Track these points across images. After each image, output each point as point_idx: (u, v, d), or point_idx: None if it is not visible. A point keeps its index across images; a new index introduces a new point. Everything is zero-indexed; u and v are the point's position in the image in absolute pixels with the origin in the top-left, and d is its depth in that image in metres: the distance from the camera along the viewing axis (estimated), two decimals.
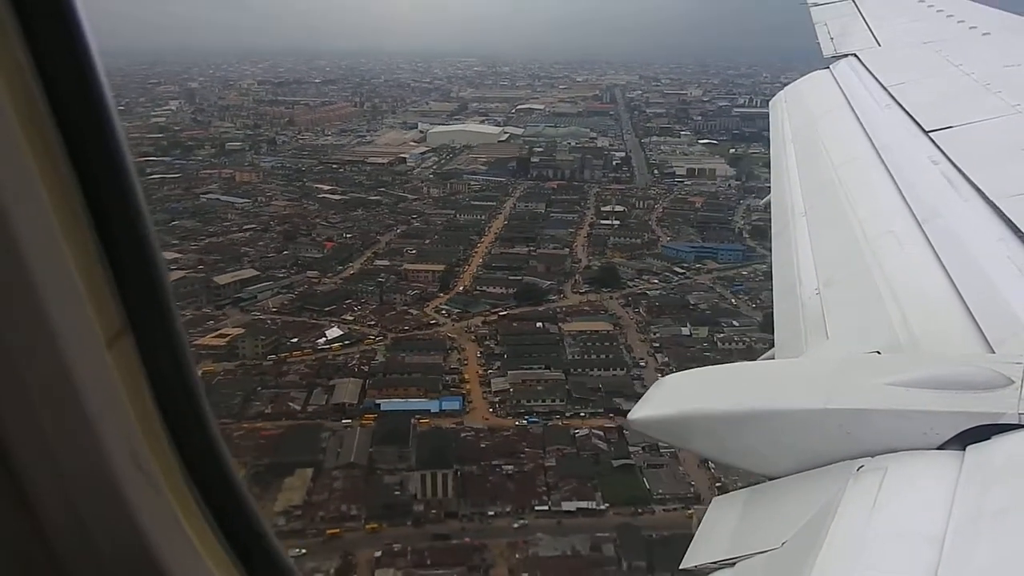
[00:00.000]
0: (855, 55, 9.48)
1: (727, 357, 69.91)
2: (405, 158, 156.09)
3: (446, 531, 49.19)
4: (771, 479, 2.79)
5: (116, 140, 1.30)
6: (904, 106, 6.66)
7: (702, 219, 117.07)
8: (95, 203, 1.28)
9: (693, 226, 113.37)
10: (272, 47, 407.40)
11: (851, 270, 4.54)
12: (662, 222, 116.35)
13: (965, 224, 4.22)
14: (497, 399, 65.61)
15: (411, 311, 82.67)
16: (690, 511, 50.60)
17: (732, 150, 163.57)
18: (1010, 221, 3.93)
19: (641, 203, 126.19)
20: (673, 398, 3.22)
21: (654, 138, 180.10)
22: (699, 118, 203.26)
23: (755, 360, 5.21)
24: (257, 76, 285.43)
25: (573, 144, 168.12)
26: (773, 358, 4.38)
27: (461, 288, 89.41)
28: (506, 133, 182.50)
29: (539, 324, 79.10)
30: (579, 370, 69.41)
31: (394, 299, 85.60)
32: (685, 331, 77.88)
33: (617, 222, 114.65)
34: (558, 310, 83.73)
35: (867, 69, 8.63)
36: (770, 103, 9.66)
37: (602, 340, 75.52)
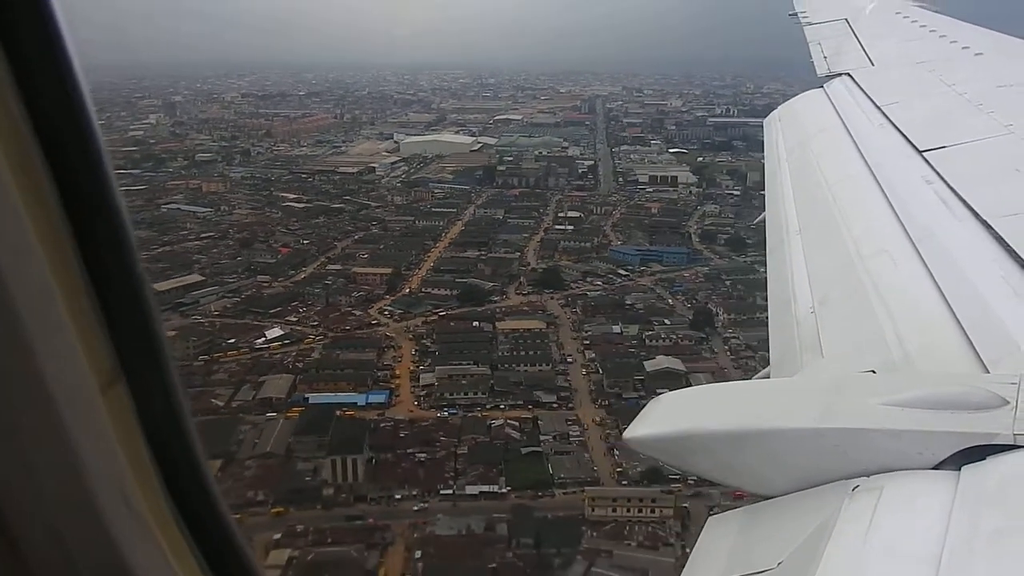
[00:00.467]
0: (849, 74, 9.52)
1: (652, 352, 73.32)
2: (375, 167, 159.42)
3: (351, 513, 52.12)
4: (767, 498, 2.79)
5: (111, 189, 1.31)
6: (898, 125, 6.70)
7: (656, 224, 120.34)
8: (88, 252, 1.27)
9: (645, 231, 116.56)
10: (261, 61, 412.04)
11: (846, 288, 4.56)
12: (616, 227, 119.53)
13: (959, 244, 4.23)
14: (423, 393, 68.74)
15: (355, 312, 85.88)
16: (585, 493, 53.70)
17: (700, 159, 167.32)
18: (1004, 241, 3.95)
19: (599, 209, 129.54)
20: (668, 417, 3.23)
21: (625, 147, 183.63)
22: (673, 128, 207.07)
23: (750, 379, 5.26)
24: (242, 89, 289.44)
25: (544, 153, 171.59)
26: (769, 376, 4.38)
27: (408, 290, 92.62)
28: (479, 143, 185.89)
29: (475, 323, 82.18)
30: (506, 366, 72.52)
31: (340, 301, 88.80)
32: (616, 329, 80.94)
33: (571, 227, 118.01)
34: (497, 310, 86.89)
35: (861, 88, 8.67)
36: (764, 121, 9.66)
37: (533, 338, 78.63)
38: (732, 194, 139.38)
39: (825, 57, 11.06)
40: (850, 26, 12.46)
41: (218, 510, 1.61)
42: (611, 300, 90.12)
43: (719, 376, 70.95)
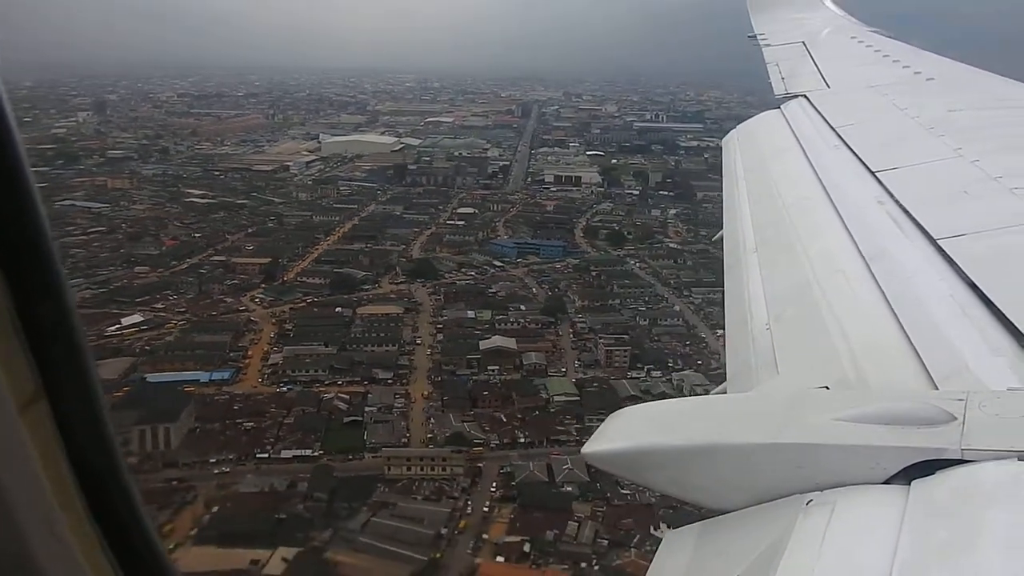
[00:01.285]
0: (805, 96, 9.76)
1: (494, 332, 78.44)
2: (289, 166, 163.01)
3: (157, 478, 56.09)
4: (724, 513, 2.85)
5: (32, 203, 1.29)
6: (852, 147, 6.89)
7: (546, 220, 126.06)
8: (6, 264, 1.25)
9: (533, 226, 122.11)
10: (211, 63, 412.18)
11: (801, 306, 4.66)
12: (508, 223, 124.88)
13: (910, 263, 4.37)
14: (269, 371, 73.12)
15: (225, 299, 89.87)
16: (382, 454, 58.69)
17: (614, 161, 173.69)
18: (953, 261, 4.10)
19: (497, 206, 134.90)
20: (626, 432, 3.29)
21: (545, 149, 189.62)
22: (598, 131, 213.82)
23: (706, 394, 5.47)
24: (181, 89, 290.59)
25: (462, 154, 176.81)
26: (725, 392, 4.49)
27: (284, 280, 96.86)
28: (402, 144, 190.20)
29: (338, 309, 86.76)
30: (354, 346, 77.32)
31: (213, 289, 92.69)
32: (471, 314, 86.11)
33: (463, 223, 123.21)
34: (365, 298, 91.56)
35: (816, 110, 8.88)
36: (723, 141, 9.88)
37: (388, 322, 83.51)
38: (631, 194, 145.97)
39: (783, 78, 11.26)
40: (807, 49, 12.74)
41: (145, 531, 1.59)
42: (477, 289, 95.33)
43: (550, 354, 76.67)
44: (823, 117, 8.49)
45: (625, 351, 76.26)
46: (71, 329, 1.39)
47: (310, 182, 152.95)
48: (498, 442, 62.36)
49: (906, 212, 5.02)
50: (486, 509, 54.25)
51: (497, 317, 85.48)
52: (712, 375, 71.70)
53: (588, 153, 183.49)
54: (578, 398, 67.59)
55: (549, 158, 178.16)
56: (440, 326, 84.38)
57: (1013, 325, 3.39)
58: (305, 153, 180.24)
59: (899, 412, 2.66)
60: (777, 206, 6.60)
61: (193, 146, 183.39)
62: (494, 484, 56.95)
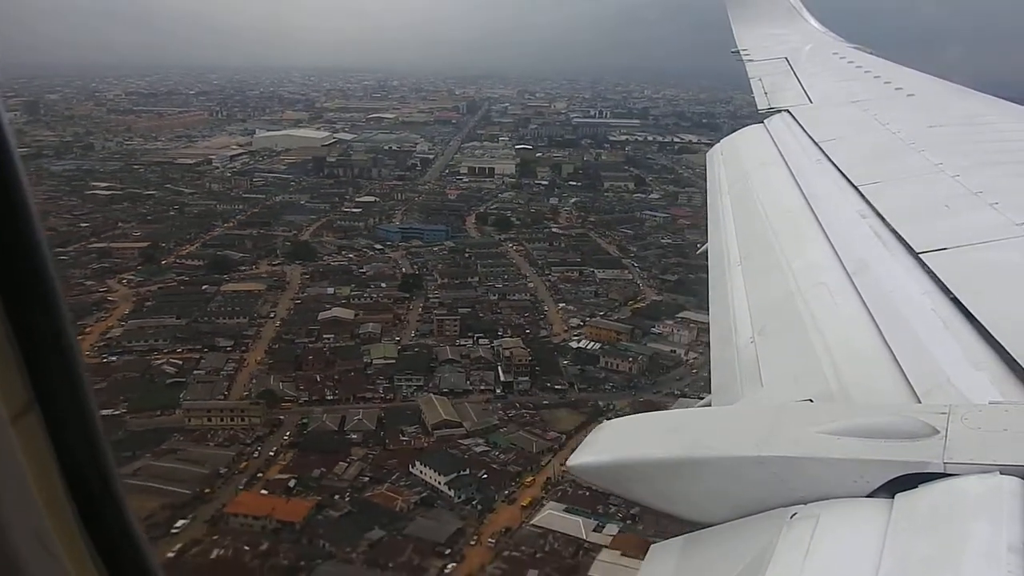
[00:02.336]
0: (788, 111, 9.94)
1: (349, 307, 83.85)
2: (212, 159, 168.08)
3: None
4: (708, 526, 2.91)
5: (26, 212, 1.30)
6: (835, 162, 7.07)
7: (443, 208, 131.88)
8: (1, 275, 1.27)
9: (427, 213, 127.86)
10: (175, 62, 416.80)
11: (785, 320, 4.75)
12: (407, 211, 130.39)
13: (892, 277, 4.46)
14: (103, 343, 77.27)
15: (87, 283, 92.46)
16: (183, 406, 63.94)
17: (538, 154, 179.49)
18: (934, 274, 4.18)
19: (401, 195, 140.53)
20: (610, 444, 3.38)
21: (475, 143, 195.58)
22: (536, 126, 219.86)
23: (691, 407, 5.68)
24: (135, 88, 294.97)
25: (392, 148, 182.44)
26: (710, 404, 4.55)
27: (163, 262, 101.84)
28: (334, 139, 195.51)
29: (204, 287, 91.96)
30: (205, 319, 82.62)
31: (74, 274, 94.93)
32: (330, 291, 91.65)
33: (360, 210, 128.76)
34: (236, 276, 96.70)
35: (800, 125, 9.07)
36: (707, 155, 10.10)
37: (249, 298, 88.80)
38: (540, 184, 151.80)
39: (766, 93, 11.47)
40: (790, 65, 13.02)
41: (136, 543, 1.59)
42: (348, 269, 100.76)
43: (389, 324, 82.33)
44: (806, 132, 8.63)
45: (456, 321, 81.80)
46: (64, 339, 1.39)
47: (228, 174, 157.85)
48: (307, 398, 67.79)
49: (888, 226, 5.09)
50: (272, 453, 59.74)
51: (354, 293, 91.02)
52: (539, 340, 77.59)
53: (517, 147, 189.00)
54: (394, 361, 73.06)
55: (476, 152, 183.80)
56: (298, 301, 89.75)
57: (994, 339, 3.43)
58: (235, 148, 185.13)
59: (882, 425, 2.71)
60: (761, 220, 6.70)
61: (123, 142, 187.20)
62: (288, 433, 62.34)
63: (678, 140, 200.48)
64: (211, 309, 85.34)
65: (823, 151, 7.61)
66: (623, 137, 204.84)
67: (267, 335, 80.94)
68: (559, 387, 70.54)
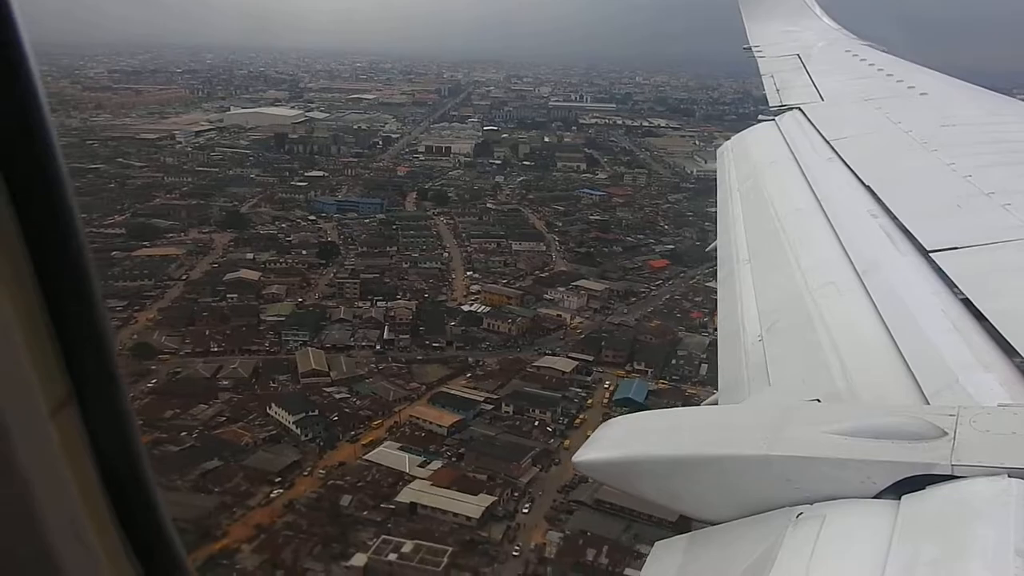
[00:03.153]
0: (800, 108, 10.07)
1: (262, 270, 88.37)
2: (176, 134, 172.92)
3: None
4: (714, 524, 2.95)
5: (68, 208, 1.33)
6: (846, 160, 7.09)
7: (389, 183, 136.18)
8: (41, 268, 1.28)
9: (371, 187, 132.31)
10: (174, 41, 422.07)
11: (793, 318, 4.81)
12: (352, 185, 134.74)
13: (902, 277, 4.50)
14: None
15: None
16: None
17: (504, 135, 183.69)
18: (944, 275, 4.21)
19: (352, 171, 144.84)
20: (617, 442, 3.42)
21: (444, 124, 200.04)
22: (511, 109, 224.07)
23: (698, 405, 5.74)
24: (120, 67, 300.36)
25: (361, 127, 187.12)
26: (717, 403, 4.60)
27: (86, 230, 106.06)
28: (305, 117, 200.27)
29: (114, 252, 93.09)
30: (106, 282, 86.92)
31: None
32: (249, 256, 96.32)
33: (306, 184, 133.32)
34: (160, 244, 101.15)
35: (811, 122, 9.17)
36: (717, 152, 10.18)
37: (160, 263, 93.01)
38: (493, 163, 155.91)
39: (778, 90, 11.58)
40: (802, 62, 13.08)
41: (168, 538, 1.63)
42: (276, 237, 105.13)
43: (295, 286, 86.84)
44: (817, 130, 8.67)
45: (358, 285, 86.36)
46: (101, 332, 1.42)
47: (189, 149, 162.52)
48: (189, 351, 72.28)
49: (899, 225, 5.14)
50: (132, 396, 63.96)
51: (272, 259, 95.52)
52: (435, 303, 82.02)
53: (484, 128, 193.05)
54: (285, 318, 77.71)
55: (443, 132, 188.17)
56: (215, 265, 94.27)
57: (1004, 340, 3.46)
58: (204, 124, 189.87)
59: (890, 426, 2.73)
60: (770, 218, 6.71)
61: (88, 119, 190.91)
62: (154, 380, 66.21)
63: (647, 124, 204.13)
64: (114, 273, 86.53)
65: (834, 149, 7.62)
66: (593, 120, 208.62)
67: (171, 296, 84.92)
68: (436, 345, 74.88)
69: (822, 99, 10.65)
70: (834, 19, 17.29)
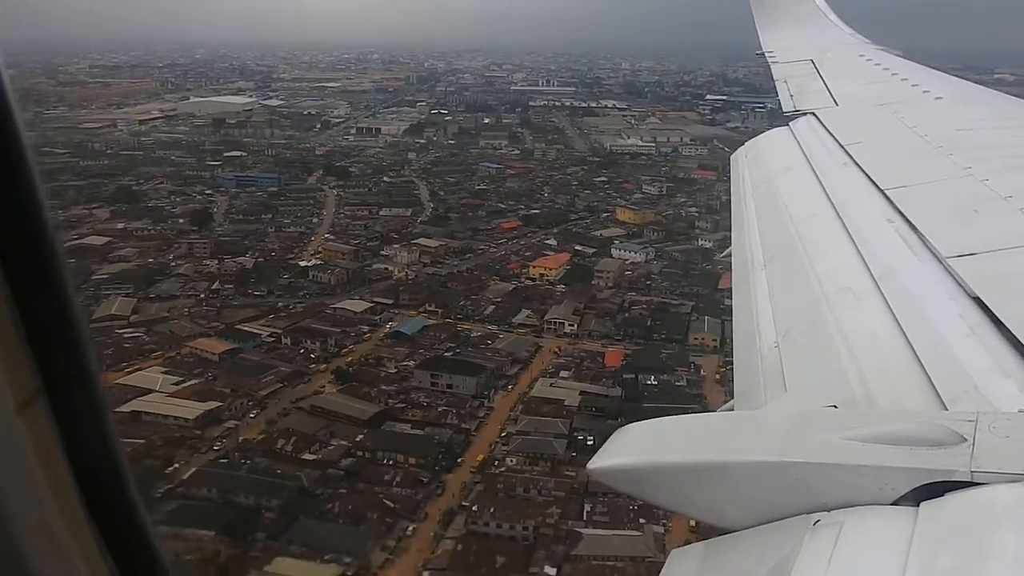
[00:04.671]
0: (814, 113, 10.28)
1: (126, 237, 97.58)
2: (119, 123, 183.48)
3: None
4: (729, 531, 2.99)
5: (35, 197, 1.32)
6: (861, 165, 7.25)
7: (298, 160, 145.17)
8: (8, 258, 1.28)
9: (280, 164, 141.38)
10: (166, 38, 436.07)
11: (809, 324, 4.91)
12: (267, 164, 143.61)
13: (919, 282, 4.58)
14: None
15: None
16: None
17: (447, 117, 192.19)
18: (962, 280, 4.27)
19: (272, 152, 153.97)
20: (631, 448, 3.43)
21: (395, 108, 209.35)
22: (468, 94, 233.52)
23: (713, 411, 5.82)
24: (101, 63, 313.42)
25: (310, 113, 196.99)
26: (733, 409, 4.70)
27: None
28: (259, 104, 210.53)
29: None
30: None
31: None
32: (120, 226, 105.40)
33: (219, 163, 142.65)
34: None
35: (825, 128, 9.35)
36: (731, 158, 10.43)
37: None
38: (417, 142, 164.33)
39: (791, 96, 11.86)
40: (815, 67, 13.44)
41: (143, 532, 1.63)
42: (159, 209, 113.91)
43: (150, 250, 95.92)
44: (832, 135, 8.88)
45: (208, 244, 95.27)
46: (73, 324, 1.41)
47: (126, 136, 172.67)
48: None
49: (915, 231, 5.22)
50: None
51: (143, 226, 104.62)
52: (278, 259, 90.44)
53: (432, 111, 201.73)
54: (117, 272, 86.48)
55: (389, 116, 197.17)
56: (76, 237, 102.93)
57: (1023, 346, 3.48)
58: (155, 113, 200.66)
59: (908, 432, 2.77)
60: (785, 223, 6.90)
61: (43, 112, 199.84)
62: None
63: (594, 105, 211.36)
64: None
65: (849, 154, 7.78)
66: (544, 102, 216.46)
67: None
68: (258, 293, 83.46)
69: (836, 104, 10.87)
70: (850, 24, 17.61)
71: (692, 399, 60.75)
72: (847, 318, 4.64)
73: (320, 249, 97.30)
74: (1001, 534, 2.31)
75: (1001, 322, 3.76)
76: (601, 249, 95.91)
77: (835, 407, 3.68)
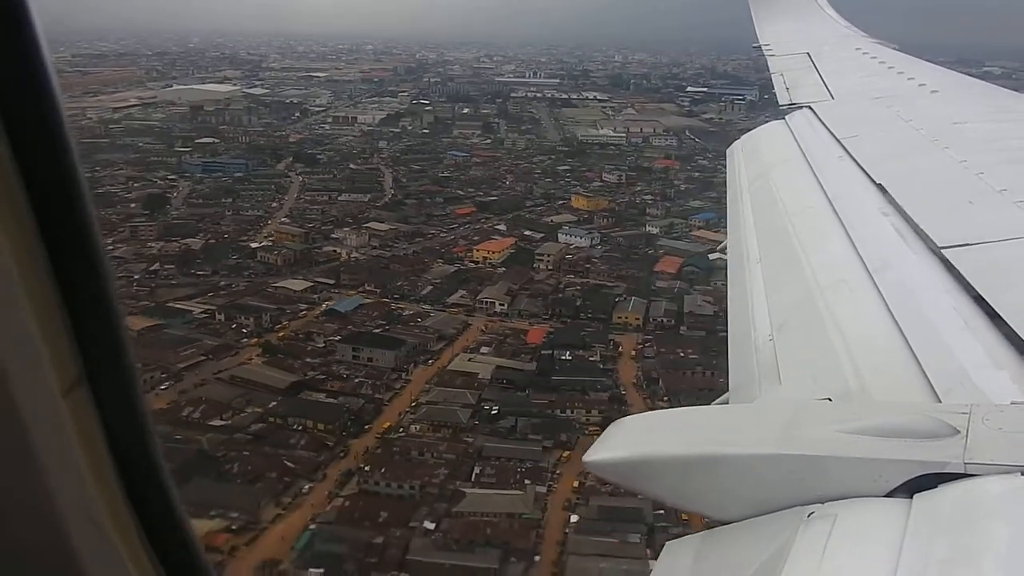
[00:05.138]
0: (810, 107, 10.44)
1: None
2: (89, 111, 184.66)
3: None
4: (725, 523, 3.04)
5: (79, 190, 1.37)
6: (856, 158, 7.38)
7: (271, 147, 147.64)
8: (54, 248, 1.32)
9: (251, 151, 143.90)
10: (179, 27, 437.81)
11: (804, 317, 4.98)
12: (240, 151, 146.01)
13: (914, 275, 4.67)
14: None
15: None
16: None
17: (427, 108, 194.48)
18: (957, 272, 4.36)
19: (247, 139, 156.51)
20: (627, 441, 3.50)
21: (376, 98, 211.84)
22: (452, 83, 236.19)
23: (709, 404, 5.84)
24: (87, 51, 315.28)
25: (292, 101, 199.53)
26: (727, 402, 4.77)
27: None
28: (241, 92, 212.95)
29: None
30: None
31: None
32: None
33: (188, 149, 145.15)
34: None
35: (821, 121, 9.52)
36: (727, 151, 10.51)
37: None
38: (391, 131, 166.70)
39: (787, 88, 12.05)
40: (812, 60, 13.67)
41: (178, 519, 1.68)
42: (112, 194, 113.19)
43: (104, 233, 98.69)
44: (827, 128, 9.03)
45: (153, 227, 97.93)
46: (113, 313, 1.46)
47: (93, 124, 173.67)
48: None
49: (910, 223, 5.32)
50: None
51: (106, 210, 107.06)
52: (231, 242, 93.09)
53: (413, 101, 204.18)
54: None
55: (370, 106, 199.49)
56: None
57: (1018, 337, 3.57)
58: (132, 100, 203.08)
59: (902, 425, 2.82)
60: (781, 216, 6.97)
61: None
62: None
63: (575, 97, 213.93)
64: None
65: (844, 148, 7.90)
66: (525, 94, 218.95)
67: None
68: (201, 274, 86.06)
69: (832, 97, 11.00)
70: (844, 17, 17.90)
71: (603, 373, 63.67)
72: (841, 311, 4.71)
73: (273, 232, 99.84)
74: (994, 525, 2.34)
75: (996, 314, 3.82)
76: (549, 234, 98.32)
77: (829, 400, 3.75)
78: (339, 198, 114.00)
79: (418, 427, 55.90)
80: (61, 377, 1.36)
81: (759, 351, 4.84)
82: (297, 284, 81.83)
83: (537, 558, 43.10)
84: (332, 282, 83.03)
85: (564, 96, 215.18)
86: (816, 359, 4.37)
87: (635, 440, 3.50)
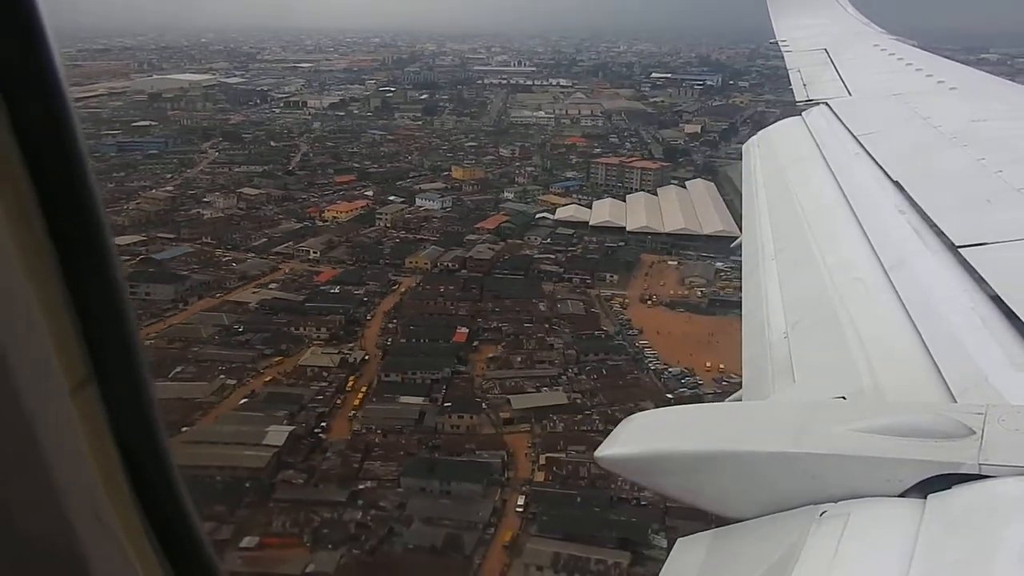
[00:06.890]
0: (827, 103, 10.70)
1: None
2: None
3: None
4: (737, 521, 3.12)
5: (89, 187, 1.38)
6: (873, 156, 7.55)
7: (203, 128, 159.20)
8: (63, 247, 1.34)
9: (183, 132, 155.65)
10: (195, 23, 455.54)
11: (819, 315, 5.10)
12: (173, 132, 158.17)
13: (930, 273, 4.77)
14: None
15: None
16: None
17: (388, 94, 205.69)
18: (974, 271, 4.45)
19: (189, 121, 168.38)
20: (640, 437, 3.59)
21: (345, 85, 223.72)
22: (430, 71, 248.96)
23: (723, 401, 5.99)
24: (86, 47, 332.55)
25: (263, 89, 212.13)
26: (741, 399, 4.89)
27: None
28: (215, 82, 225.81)
29: None
30: None
31: None
32: None
33: (119, 131, 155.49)
34: None
35: (838, 118, 9.76)
36: (743, 147, 10.82)
37: None
38: (336, 114, 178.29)
39: (804, 85, 12.38)
40: (829, 56, 14.05)
41: (188, 519, 1.72)
42: None
43: None
44: (844, 125, 9.27)
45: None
46: (122, 311, 1.49)
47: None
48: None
49: (927, 221, 5.44)
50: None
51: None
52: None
53: (380, 88, 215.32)
54: None
55: (336, 92, 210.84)
56: None
57: None
58: (101, 91, 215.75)
59: (917, 424, 2.88)
60: (797, 213, 7.17)
61: None
62: None
63: (538, 84, 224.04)
64: None
65: (862, 145, 8.11)
66: (493, 81, 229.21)
67: None
68: None
69: (849, 94, 11.31)
70: (862, 13, 18.35)
71: (371, 306, 73.66)
72: (857, 309, 4.84)
73: (144, 198, 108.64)
74: (1009, 527, 2.39)
75: (1014, 314, 3.92)
76: (409, 199, 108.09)
77: (843, 398, 3.87)
78: (236, 170, 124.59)
79: (164, 340, 65.95)
80: (70, 376, 1.39)
81: (773, 348, 5.04)
82: (127, 239, 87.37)
83: (185, 429, 52.39)
84: (172, 236, 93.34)
85: (528, 83, 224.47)
86: (831, 357, 4.54)
87: (647, 436, 3.64)
